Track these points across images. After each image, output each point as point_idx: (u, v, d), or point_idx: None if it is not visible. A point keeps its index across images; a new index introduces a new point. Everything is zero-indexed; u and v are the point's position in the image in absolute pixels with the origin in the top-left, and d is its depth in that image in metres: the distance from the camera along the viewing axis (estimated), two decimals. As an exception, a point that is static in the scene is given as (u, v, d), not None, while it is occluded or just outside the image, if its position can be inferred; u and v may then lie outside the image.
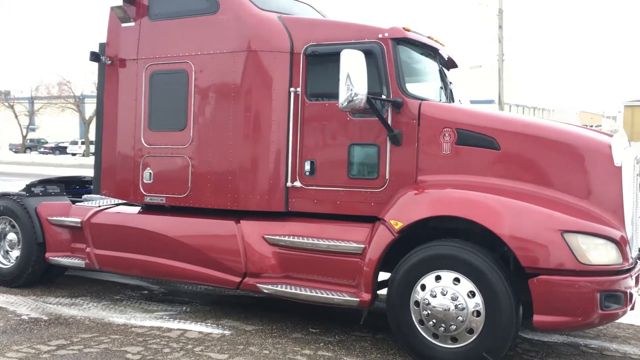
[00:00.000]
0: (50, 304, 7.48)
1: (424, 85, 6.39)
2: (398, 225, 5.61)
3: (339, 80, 6.48)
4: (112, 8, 7.17)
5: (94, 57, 7.39)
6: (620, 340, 6.51)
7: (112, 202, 8.03)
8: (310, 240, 6.14)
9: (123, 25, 7.27)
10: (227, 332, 6.38)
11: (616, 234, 5.19)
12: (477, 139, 5.77)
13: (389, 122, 6.00)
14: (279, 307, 7.41)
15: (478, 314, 5.23)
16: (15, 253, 8.18)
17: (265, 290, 6.32)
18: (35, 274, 8.03)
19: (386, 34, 6.13)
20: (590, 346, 6.30)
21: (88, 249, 7.50)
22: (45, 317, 6.85)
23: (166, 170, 7.01)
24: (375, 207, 6.11)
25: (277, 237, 6.33)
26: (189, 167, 6.83)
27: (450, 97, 6.84)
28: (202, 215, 6.86)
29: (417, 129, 5.96)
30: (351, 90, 5.60)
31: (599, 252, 5.06)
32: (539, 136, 5.66)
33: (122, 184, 7.30)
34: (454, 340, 5.34)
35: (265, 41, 6.51)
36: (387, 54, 6.06)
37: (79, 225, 7.59)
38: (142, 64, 7.15)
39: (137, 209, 7.55)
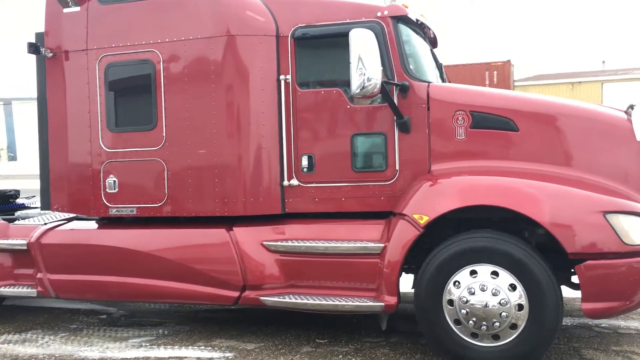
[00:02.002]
0: (-2, 343, 6.34)
1: (422, 66, 5.93)
2: (424, 220, 5.14)
3: (333, 64, 6.02)
4: None
5: (33, 49, 6.26)
6: (625, 317, 6.48)
7: (57, 218, 6.95)
8: (320, 244, 5.53)
9: (65, 10, 6.20)
10: (229, 355, 5.65)
11: None
12: (493, 121, 5.42)
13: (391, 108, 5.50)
14: (266, 320, 6.74)
15: (521, 307, 4.89)
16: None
17: (270, 304, 5.65)
18: (-29, 309, 6.80)
19: (386, 12, 5.62)
20: (602, 326, 6.22)
21: (40, 275, 6.40)
22: (-1, 361, 5.76)
23: (135, 176, 6.09)
24: (385, 201, 5.62)
25: (279, 243, 5.66)
26: (164, 172, 5.96)
27: (443, 79, 6.45)
28: (184, 225, 6.03)
29: (427, 114, 5.51)
30: (364, 74, 5.04)
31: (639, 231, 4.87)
32: (558, 114, 5.41)
33: (78, 196, 6.27)
34: (496, 338, 4.97)
35: (247, 24, 5.78)
36: (388, 34, 5.56)
37: (25, 248, 6.46)
38: (94, 55, 6.14)
39: (93, 223, 6.56)
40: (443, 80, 6.46)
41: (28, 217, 7.24)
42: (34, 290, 6.43)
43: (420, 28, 6.20)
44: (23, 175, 32.70)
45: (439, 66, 6.38)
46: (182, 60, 5.89)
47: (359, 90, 5.11)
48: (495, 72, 22.84)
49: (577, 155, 5.31)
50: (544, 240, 5.13)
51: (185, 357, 5.63)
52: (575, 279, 5.40)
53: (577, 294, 5.03)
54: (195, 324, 6.69)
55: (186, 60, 5.88)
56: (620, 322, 6.29)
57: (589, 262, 4.79)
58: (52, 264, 6.34)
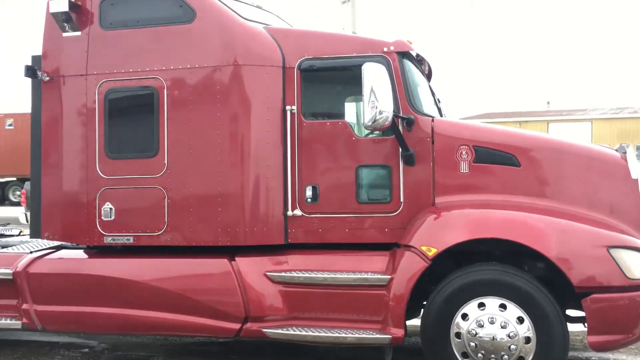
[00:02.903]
0: (-22, 378, 6.01)
1: (425, 101, 6.06)
2: (432, 252, 5.20)
3: (339, 96, 6.11)
4: (53, 14, 5.98)
5: (30, 72, 6.10)
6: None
7: (40, 246, 6.70)
8: (326, 275, 5.51)
9: (65, 35, 6.10)
10: (229, 389, 5.51)
11: None
12: (496, 156, 5.56)
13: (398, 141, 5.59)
14: (258, 352, 6.62)
15: (528, 340, 4.97)
16: None
17: (273, 336, 5.56)
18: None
19: (392, 48, 5.74)
20: (593, 359, 6.35)
21: (25, 306, 6.13)
22: (-16, 397, 5.45)
23: (133, 204, 5.95)
24: (389, 233, 5.66)
25: (283, 274, 5.61)
26: (164, 200, 5.85)
27: (441, 113, 6.59)
28: (179, 255, 5.91)
29: (432, 148, 5.62)
30: (376, 107, 5.12)
31: None
32: (558, 151, 5.61)
33: (71, 223, 6.07)
34: (504, 370, 5.02)
35: (255, 54, 5.80)
36: (394, 69, 5.67)
37: (10, 277, 6.18)
38: (94, 81, 6.03)
39: (82, 252, 6.35)
40: (441, 115, 6.60)
41: (8, 245, 6.95)
42: (19, 322, 6.14)
43: (418, 62, 6.36)
44: None
45: (437, 100, 6.53)
46: (186, 87, 5.85)
47: (371, 123, 5.17)
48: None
49: (576, 191, 5.49)
50: (542, 274, 5.26)
51: (184, 392, 5.47)
52: (570, 312, 5.54)
53: (572, 327, 5.15)
54: (186, 357, 6.52)
55: (191, 88, 5.84)
56: (609, 355, 6.44)
57: (594, 295, 4.93)
58: (40, 294, 6.08)
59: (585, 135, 46.58)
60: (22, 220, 13.70)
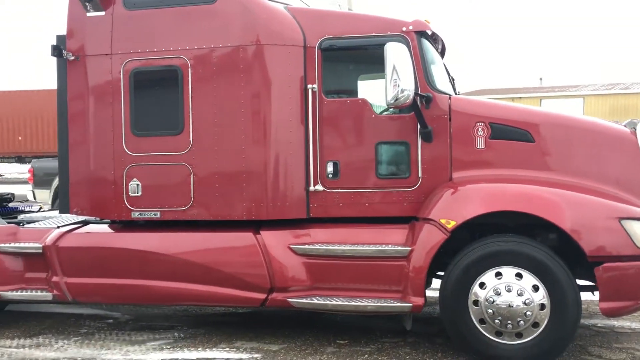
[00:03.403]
0: (12, 347, 6.24)
1: (441, 79, 6.24)
2: (451, 224, 5.44)
3: (359, 75, 6.29)
4: None
5: (57, 51, 6.24)
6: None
7: (64, 222, 6.90)
8: (349, 247, 5.75)
9: (89, 14, 6.22)
10: (257, 356, 5.78)
11: None
12: (511, 132, 5.78)
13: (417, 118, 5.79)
14: (278, 323, 6.90)
15: (543, 307, 5.23)
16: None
17: (298, 305, 5.81)
18: (-22, 314, 6.66)
19: (410, 27, 5.91)
20: (598, 325, 6.66)
21: (55, 278, 6.35)
22: (21, 365, 5.70)
23: (159, 180, 6.14)
24: (408, 207, 5.89)
25: (306, 247, 5.85)
26: (190, 176, 6.05)
27: (455, 91, 6.78)
28: (207, 229, 6.13)
29: (449, 125, 5.82)
30: (398, 85, 5.31)
31: None
32: (571, 127, 5.83)
33: (99, 199, 6.27)
34: (519, 335, 5.30)
35: (277, 34, 5.96)
36: (412, 48, 5.84)
37: (40, 251, 6.39)
38: (119, 60, 6.18)
39: (107, 227, 6.56)
40: (455, 93, 6.80)
41: (32, 221, 7.14)
42: (49, 294, 6.37)
43: (433, 40, 6.52)
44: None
45: (451, 78, 6.71)
46: (210, 66, 6.00)
47: (393, 101, 5.37)
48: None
49: (587, 165, 5.71)
50: (553, 244, 5.52)
51: (214, 359, 5.72)
52: (580, 282, 5.81)
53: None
54: (209, 327, 6.76)
55: (214, 67, 6.00)
56: (614, 322, 6.75)
57: (606, 264, 5.19)
58: (70, 267, 6.30)
59: (578, 111, 46.83)
60: (30, 197, 13.88)
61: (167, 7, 6.12)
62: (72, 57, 6.27)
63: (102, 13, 6.22)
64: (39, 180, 14.11)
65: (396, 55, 5.35)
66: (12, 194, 8.20)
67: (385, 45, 5.42)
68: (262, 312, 7.41)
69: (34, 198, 13.96)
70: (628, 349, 5.86)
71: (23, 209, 8.26)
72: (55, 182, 13.97)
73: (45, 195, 13.98)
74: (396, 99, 5.35)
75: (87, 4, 6.16)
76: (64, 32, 6.36)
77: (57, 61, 6.36)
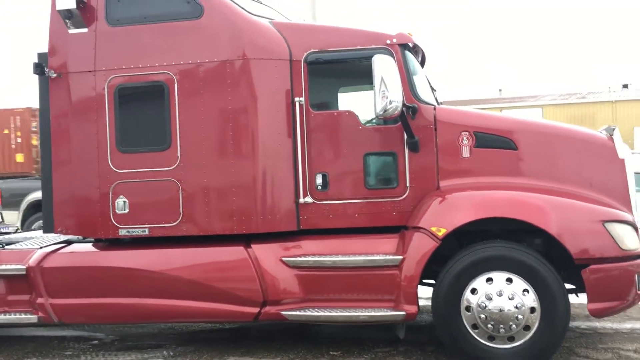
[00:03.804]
0: (-3, 373, 6.07)
1: (424, 90, 6.36)
2: (441, 232, 5.54)
3: (345, 87, 6.37)
4: (60, 12, 6.04)
5: (39, 69, 6.16)
6: (594, 318, 7.12)
7: (46, 242, 6.78)
8: (340, 258, 5.79)
9: (71, 31, 6.17)
10: (252, 370, 5.75)
11: (635, 220, 5.69)
12: (495, 140, 5.93)
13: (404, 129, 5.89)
14: (267, 337, 6.88)
15: (533, 310, 5.36)
16: None
17: (292, 318, 5.82)
18: (-42, 340, 6.46)
19: (394, 40, 6.03)
20: (582, 327, 6.83)
21: (40, 300, 6.21)
22: (9, 390, 5.55)
23: (147, 196, 6.09)
24: (397, 216, 5.97)
25: (298, 259, 5.87)
26: (179, 191, 6.02)
27: (437, 101, 6.91)
28: (196, 244, 6.09)
29: (435, 134, 5.94)
30: (387, 97, 5.41)
31: (630, 238, 5.49)
32: (552, 134, 6.02)
33: (85, 217, 6.18)
34: (511, 339, 5.41)
35: (263, 48, 6.01)
36: (397, 60, 5.95)
37: (23, 272, 6.25)
38: (103, 77, 6.13)
39: (91, 246, 6.47)
40: (438, 103, 6.93)
41: (11, 242, 6.99)
42: (34, 316, 6.23)
43: (415, 52, 6.65)
44: None
45: (432, 89, 6.85)
46: (196, 82, 6.01)
47: (382, 112, 5.46)
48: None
49: (569, 170, 5.89)
50: (538, 249, 5.66)
51: (209, 375, 5.68)
52: (567, 285, 5.97)
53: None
54: (198, 344, 6.69)
55: (201, 82, 6.00)
56: (597, 324, 6.93)
57: (592, 266, 5.35)
58: (56, 288, 6.18)
59: (537, 121, 47.81)
60: None
61: (152, 23, 6.11)
62: (55, 75, 6.20)
63: (85, 30, 6.17)
64: (6, 202, 13.79)
65: (384, 67, 5.45)
66: (-12, 216, 8.00)
67: (373, 58, 5.52)
68: (251, 326, 7.38)
69: (2, 219, 13.63)
70: (613, 349, 6.03)
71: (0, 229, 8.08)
72: (25, 204, 13.72)
73: (13, 217, 13.68)
74: (385, 110, 5.44)
75: (67, 21, 6.11)
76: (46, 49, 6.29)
77: (39, 79, 6.28)
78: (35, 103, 6.58)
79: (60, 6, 6.00)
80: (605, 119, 45.25)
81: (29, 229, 12.92)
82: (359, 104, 6.44)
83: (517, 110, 50.55)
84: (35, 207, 13.58)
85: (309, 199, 6.02)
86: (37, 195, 13.51)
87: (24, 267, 6.25)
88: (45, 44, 6.28)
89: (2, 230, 8.04)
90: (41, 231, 7.83)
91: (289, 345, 6.46)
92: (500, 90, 60.79)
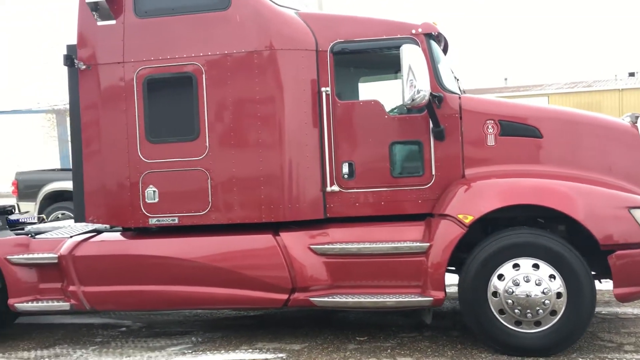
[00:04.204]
0: (31, 359, 6.19)
1: (449, 79, 6.42)
2: (468, 219, 5.62)
3: (370, 76, 6.44)
4: (88, 4, 6.12)
5: (69, 61, 6.25)
6: (619, 304, 7.22)
7: (75, 231, 6.90)
8: (367, 245, 5.88)
9: (100, 24, 6.25)
10: (282, 355, 5.87)
11: None
12: (520, 129, 5.99)
13: (430, 118, 5.96)
14: (292, 324, 7.00)
15: (559, 295, 5.44)
16: (-46, 305, 6.63)
17: (320, 304, 5.92)
18: (-9, 327, 6.60)
19: (420, 30, 6.09)
20: (603, 313, 6.92)
21: (72, 288, 6.33)
22: (45, 376, 5.68)
23: (176, 186, 6.19)
24: (422, 204, 6.05)
25: (326, 246, 5.96)
26: (207, 181, 6.12)
27: (460, 89, 6.96)
28: (223, 232, 6.19)
29: (460, 123, 6.01)
30: (415, 87, 5.48)
31: None
32: (577, 122, 6.08)
33: (115, 207, 6.29)
34: (538, 324, 5.49)
35: (289, 39, 6.08)
36: (422, 50, 6.00)
37: (55, 261, 6.38)
38: (131, 68, 6.21)
39: (119, 235, 6.58)
40: (461, 91, 6.99)
41: (40, 232, 7.10)
42: (67, 303, 6.35)
43: (438, 41, 6.70)
44: None
45: (455, 77, 6.91)
46: (224, 72, 6.09)
47: (410, 101, 5.53)
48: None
49: (593, 158, 5.96)
50: (562, 236, 5.74)
51: (241, 360, 5.80)
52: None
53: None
54: (225, 331, 6.82)
55: (229, 72, 6.08)
56: (617, 309, 7.03)
57: (618, 252, 5.43)
58: (87, 276, 6.30)
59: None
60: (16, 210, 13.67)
61: (180, 14, 6.18)
62: (84, 66, 6.28)
63: (113, 22, 6.25)
64: (23, 193, 13.92)
65: (412, 56, 5.52)
66: (14, 206, 8.12)
67: (401, 47, 5.58)
68: (274, 314, 7.51)
69: (19, 211, 13.77)
70: (636, 333, 6.12)
71: (25, 220, 8.19)
72: (41, 195, 13.83)
73: (30, 208, 13.79)
74: (413, 99, 5.51)
75: (95, 13, 6.19)
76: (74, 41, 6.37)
77: (68, 71, 6.36)
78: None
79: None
80: (611, 107, 45.19)
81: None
82: (381, 94, 6.53)
83: (523, 100, 50.56)
84: (51, 198, 13.69)
85: (335, 188, 6.11)
86: (54, 186, 13.72)
87: (56, 255, 6.37)
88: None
89: (28, 221, 8.14)
90: (67, 221, 7.98)
91: (315, 331, 6.58)
92: (505, 79, 60.61)
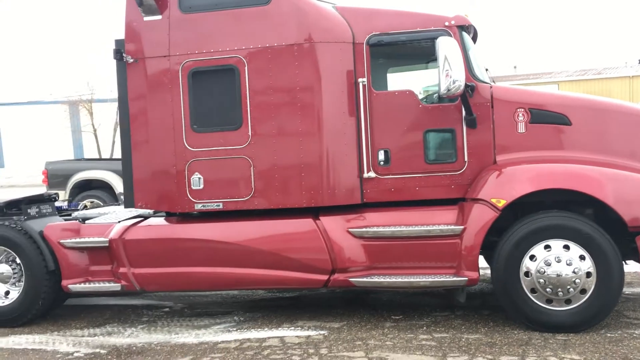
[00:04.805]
0: (85, 336, 6.57)
1: (480, 69, 6.69)
2: (501, 203, 5.91)
3: (405, 67, 6.73)
4: (136, 0, 6.42)
5: (118, 54, 6.57)
6: (636, 284, 7.52)
7: (119, 216, 7.24)
8: (404, 228, 6.19)
9: (146, 19, 6.56)
10: (324, 332, 6.20)
11: None
12: (550, 116, 6.27)
13: (463, 106, 6.25)
14: (327, 304, 7.34)
15: (589, 275, 5.73)
16: (9, 287, 7.01)
17: (360, 284, 6.25)
18: (45, 308, 6.97)
19: (452, 22, 6.35)
20: (626, 293, 7.20)
21: (123, 269, 6.70)
22: (102, 351, 6.05)
23: (220, 173, 6.52)
24: (455, 189, 6.35)
25: (364, 229, 6.28)
26: (250, 168, 6.44)
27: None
28: (264, 217, 6.52)
29: (492, 112, 6.29)
30: (450, 77, 5.76)
31: None
32: (605, 109, 6.35)
33: (163, 193, 6.63)
34: (568, 302, 5.80)
35: (328, 32, 6.36)
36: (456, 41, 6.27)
37: (106, 245, 6.73)
38: (177, 61, 6.53)
39: (163, 220, 6.93)
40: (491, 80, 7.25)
41: (87, 217, 7.45)
42: (118, 284, 6.71)
43: (473, 32, 6.94)
44: (7, 185, 31.24)
45: (485, 68, 7.17)
46: (266, 64, 6.38)
47: (446, 91, 5.81)
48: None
49: (619, 144, 6.23)
50: (590, 219, 6.02)
51: (285, 336, 6.13)
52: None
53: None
54: (264, 311, 7.16)
55: (270, 64, 6.38)
56: (638, 289, 7.32)
57: (646, 233, 5.71)
58: (137, 258, 6.65)
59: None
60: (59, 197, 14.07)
61: (223, 9, 6.48)
62: (132, 60, 6.60)
63: (159, 17, 6.55)
64: (53, 182, 14.32)
65: (448, 48, 5.79)
66: (57, 194, 8.47)
67: (437, 39, 5.86)
68: (308, 295, 7.84)
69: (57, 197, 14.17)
70: (659, 312, 6.42)
71: (66, 207, 8.56)
72: (70, 184, 14.23)
73: (60, 197, 14.20)
74: (448, 90, 5.79)
75: (146, 9, 6.48)
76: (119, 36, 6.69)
77: (116, 64, 6.67)
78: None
79: None
80: (621, 94, 45.09)
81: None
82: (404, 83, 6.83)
83: (532, 88, 50.45)
84: (80, 187, 14.09)
85: (372, 174, 6.42)
86: (82, 175, 14.12)
87: (107, 239, 6.72)
88: (120, 32, 6.67)
89: (69, 208, 8.51)
90: (110, 207, 8.33)
91: (350, 311, 6.91)
92: (515, 67, 60.45)
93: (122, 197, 7.29)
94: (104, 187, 13.90)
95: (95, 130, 42.97)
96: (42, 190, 14.60)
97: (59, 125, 44.29)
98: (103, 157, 38.60)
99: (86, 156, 40.24)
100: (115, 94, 6.85)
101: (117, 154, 37.92)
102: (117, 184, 13.74)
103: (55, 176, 14.24)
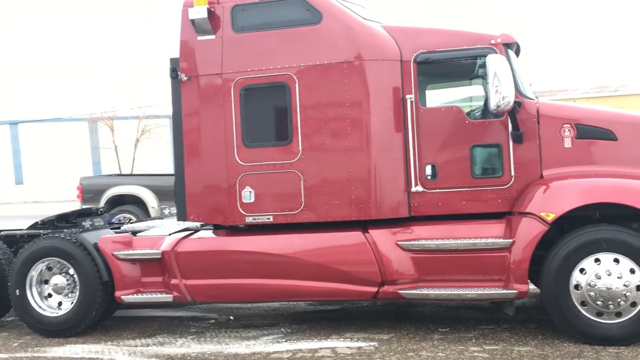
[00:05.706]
0: (139, 346, 6.72)
1: (526, 85, 6.82)
2: (550, 217, 6.01)
3: (451, 84, 6.89)
4: (192, 21, 6.65)
5: (174, 73, 6.80)
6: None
7: (169, 229, 7.43)
8: (453, 242, 6.30)
9: (200, 38, 6.79)
10: (374, 344, 6.31)
11: None
12: (595, 132, 6.38)
13: (510, 122, 6.38)
14: (373, 316, 7.43)
15: (639, 288, 5.82)
16: (62, 298, 7.19)
17: (409, 296, 6.37)
18: (98, 318, 7.14)
19: (499, 40, 6.51)
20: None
21: (174, 281, 6.86)
22: (158, 361, 6.19)
23: (271, 187, 6.69)
24: (502, 203, 6.46)
25: (413, 242, 6.40)
26: (300, 182, 6.60)
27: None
28: (312, 230, 6.67)
29: (538, 127, 6.42)
30: (500, 93, 5.90)
31: None
32: (650, 125, 6.45)
33: (215, 206, 6.80)
34: (619, 315, 5.86)
35: (377, 50, 6.55)
36: None
37: (158, 256, 6.90)
38: (229, 79, 6.74)
39: (211, 232, 7.10)
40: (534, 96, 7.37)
41: (136, 230, 7.64)
42: (169, 295, 6.87)
43: (517, 49, 7.07)
44: (31, 201, 31.68)
45: (529, 84, 7.30)
46: (316, 81, 6.57)
47: (495, 107, 5.96)
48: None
49: None
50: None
51: (336, 347, 6.25)
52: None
53: None
54: (310, 323, 7.27)
55: (320, 81, 6.56)
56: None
57: (694, 247, 5.78)
58: (189, 270, 6.81)
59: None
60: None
61: (274, 29, 6.69)
62: (186, 78, 6.82)
63: (212, 36, 6.77)
64: (87, 197, 14.59)
65: (497, 65, 5.95)
66: (104, 207, 8.69)
67: (487, 57, 6.02)
68: (351, 308, 7.95)
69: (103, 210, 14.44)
70: None
71: (112, 220, 8.77)
72: (104, 199, 14.49)
73: (94, 211, 14.44)
74: (498, 106, 5.94)
75: (201, 29, 6.70)
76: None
77: (171, 82, 6.90)
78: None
79: (192, 16, 6.61)
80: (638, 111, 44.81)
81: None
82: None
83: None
84: (113, 202, 14.33)
85: (419, 188, 6.55)
86: (115, 190, 14.38)
87: (159, 251, 6.90)
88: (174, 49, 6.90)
89: (116, 221, 8.72)
90: (158, 221, 8.53)
91: (395, 324, 7.01)
92: (530, 84, 60.18)
93: (153, 212, 7.47)
94: (137, 202, 14.14)
95: (116, 147, 43.53)
96: (71, 205, 14.89)
97: (78, 143, 44.86)
98: (134, 172, 39.04)
99: (103, 172, 40.74)
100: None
101: (137, 170, 38.46)
102: (149, 199, 14.00)
103: (89, 191, 14.51)
